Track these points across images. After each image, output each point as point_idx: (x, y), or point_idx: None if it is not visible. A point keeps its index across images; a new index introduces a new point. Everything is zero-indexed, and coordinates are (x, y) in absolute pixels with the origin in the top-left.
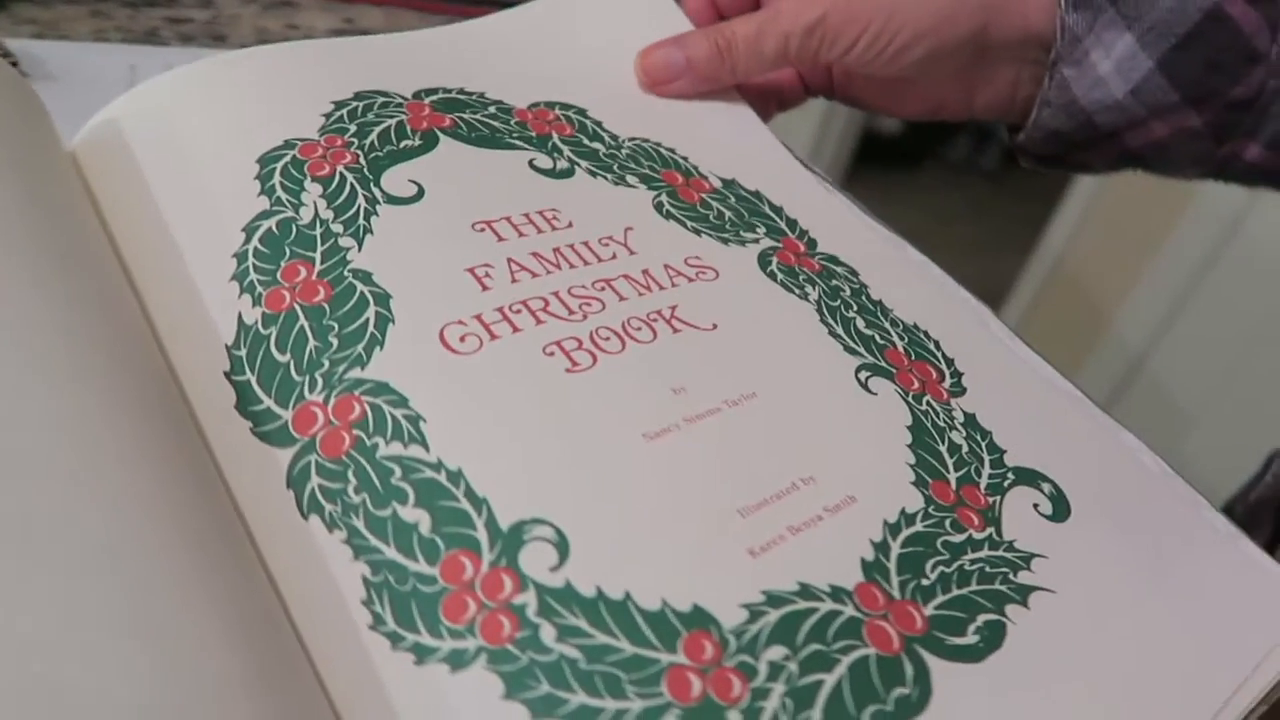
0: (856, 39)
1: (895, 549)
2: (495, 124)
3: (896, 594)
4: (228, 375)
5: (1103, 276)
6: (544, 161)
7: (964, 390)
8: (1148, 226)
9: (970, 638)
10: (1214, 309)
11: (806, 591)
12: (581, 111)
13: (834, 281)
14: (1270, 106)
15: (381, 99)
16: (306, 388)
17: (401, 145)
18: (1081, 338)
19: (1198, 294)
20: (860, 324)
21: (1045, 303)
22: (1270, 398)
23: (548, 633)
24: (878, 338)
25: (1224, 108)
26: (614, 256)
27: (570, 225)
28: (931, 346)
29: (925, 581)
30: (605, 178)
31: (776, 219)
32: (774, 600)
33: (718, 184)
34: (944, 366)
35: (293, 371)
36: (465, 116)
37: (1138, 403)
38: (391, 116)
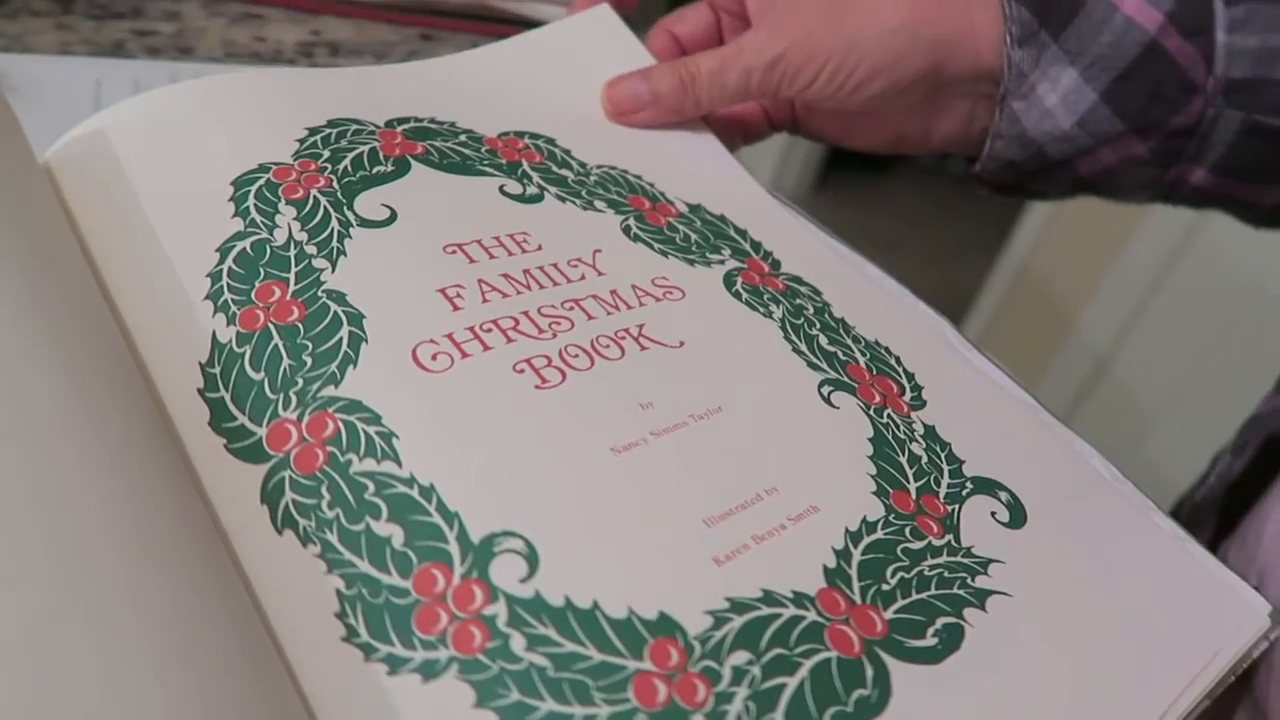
0: (816, 74)
1: (857, 556)
2: (466, 151)
3: (857, 599)
4: (201, 392)
5: (1067, 279)
6: (514, 187)
7: (924, 403)
8: (1111, 229)
9: (929, 640)
10: (1175, 310)
11: (770, 598)
12: (550, 140)
13: (797, 300)
14: (1211, 133)
15: (354, 126)
16: (280, 405)
17: (374, 170)
18: (1047, 338)
19: (1159, 295)
20: (823, 341)
21: (1012, 305)
22: (1227, 398)
23: (517, 642)
24: (840, 354)
25: (1167, 135)
26: (583, 277)
27: (540, 248)
28: (893, 361)
29: (885, 586)
30: (574, 203)
31: (741, 241)
32: (738, 607)
33: (684, 208)
34: (905, 381)
35: (267, 389)
36: (436, 144)
37: (1102, 401)
38: (364, 143)
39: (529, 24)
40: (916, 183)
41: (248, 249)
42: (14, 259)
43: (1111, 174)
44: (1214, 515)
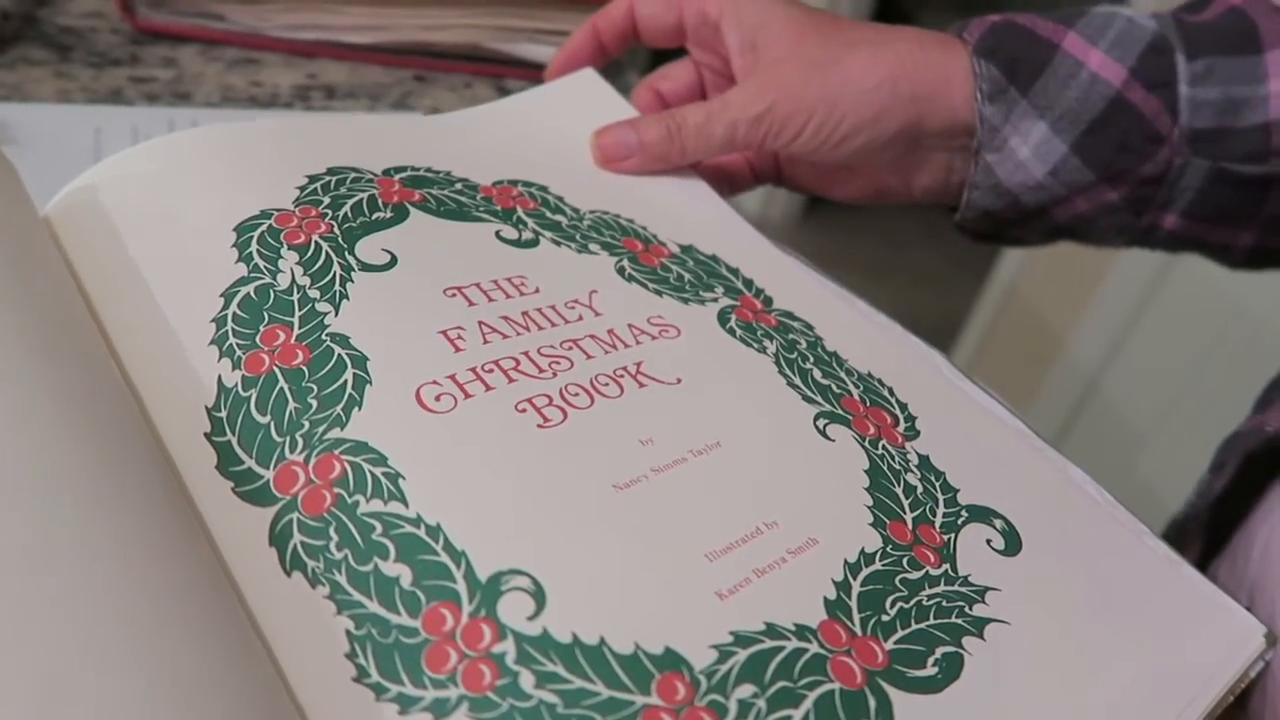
0: (801, 129)
1: (856, 587)
2: (462, 199)
3: (858, 630)
4: (208, 437)
5: (1055, 300)
6: (510, 233)
7: (918, 434)
8: (1096, 251)
9: (930, 670)
10: (1163, 329)
11: (773, 631)
12: (543, 188)
13: (790, 335)
14: (1179, 181)
15: (353, 174)
16: (287, 448)
17: (374, 216)
18: (1037, 360)
19: (1147, 314)
20: (817, 374)
21: (1001, 327)
22: (1218, 417)
23: (526, 679)
24: (834, 387)
25: (1137, 184)
26: (580, 318)
27: (537, 290)
28: (885, 393)
29: (885, 617)
30: (569, 246)
31: (734, 279)
32: (742, 640)
33: (676, 249)
34: (898, 412)
35: (273, 432)
36: (433, 192)
37: (1093, 421)
38: (363, 190)
39: (520, 64)
40: (902, 208)
41: (251, 294)
42: (18, 311)
43: (1087, 221)
44: (1200, 533)
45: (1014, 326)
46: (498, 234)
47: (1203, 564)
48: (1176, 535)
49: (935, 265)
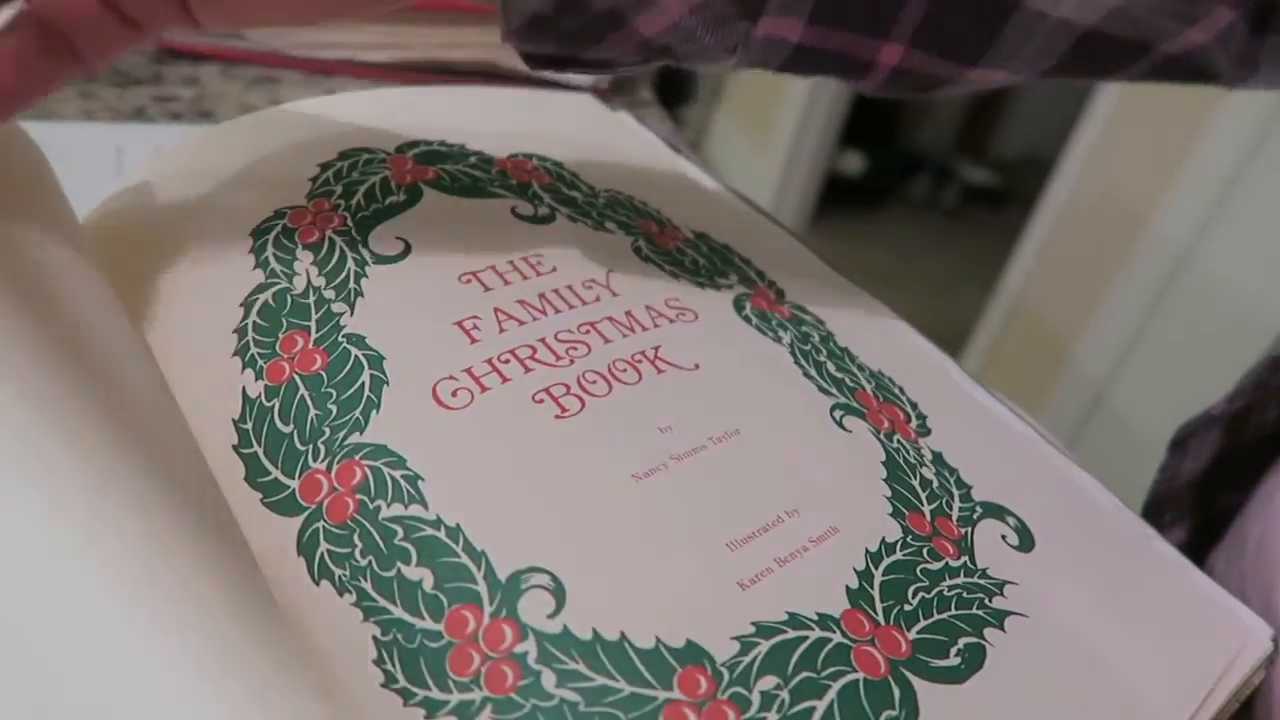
0: None
1: (878, 576)
2: (477, 174)
3: (881, 619)
4: (235, 449)
5: (1062, 309)
6: (525, 208)
7: (929, 431)
8: (1104, 259)
9: (953, 660)
10: (1171, 338)
11: (795, 620)
12: (558, 164)
13: (803, 328)
14: None
15: (365, 155)
16: (310, 456)
17: (387, 201)
18: (1045, 369)
19: (1154, 324)
20: (831, 367)
21: (1008, 336)
22: None
23: (548, 679)
24: (848, 380)
25: None
26: (598, 299)
27: (554, 270)
28: (896, 390)
29: (908, 607)
30: (585, 223)
31: (747, 269)
32: (764, 631)
33: (690, 235)
34: (909, 409)
35: (296, 441)
36: (448, 168)
37: (1102, 429)
38: (375, 173)
39: (536, 83)
40: (909, 217)
41: (269, 300)
42: (73, 315)
43: (684, 33)
44: (1182, 518)
45: (1022, 335)
46: (513, 210)
47: (1199, 552)
48: (1154, 517)
49: (943, 274)
